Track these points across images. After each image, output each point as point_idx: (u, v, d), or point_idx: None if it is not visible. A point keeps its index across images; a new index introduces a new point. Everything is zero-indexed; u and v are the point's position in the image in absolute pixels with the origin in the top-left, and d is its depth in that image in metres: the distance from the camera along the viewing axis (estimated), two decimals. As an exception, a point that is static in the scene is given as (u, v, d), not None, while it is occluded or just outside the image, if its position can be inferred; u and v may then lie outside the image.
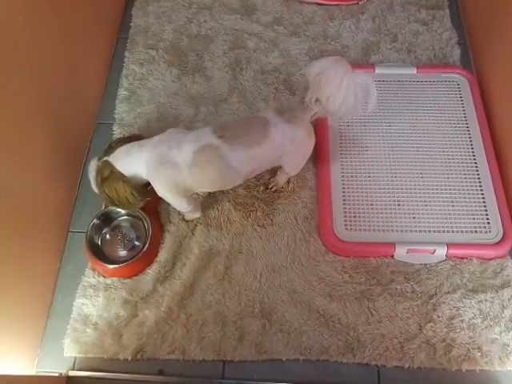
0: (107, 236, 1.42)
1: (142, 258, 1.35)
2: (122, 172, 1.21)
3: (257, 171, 1.32)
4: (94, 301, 1.34)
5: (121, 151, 1.22)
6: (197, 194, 1.46)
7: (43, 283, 1.36)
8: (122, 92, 1.73)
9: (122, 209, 1.40)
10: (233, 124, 1.26)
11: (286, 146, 1.23)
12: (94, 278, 1.38)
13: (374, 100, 1.19)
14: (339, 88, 1.12)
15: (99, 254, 1.38)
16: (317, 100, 1.19)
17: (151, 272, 1.38)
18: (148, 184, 1.25)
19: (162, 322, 1.31)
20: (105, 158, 1.21)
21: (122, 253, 1.40)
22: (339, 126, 1.59)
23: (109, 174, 1.21)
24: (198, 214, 1.44)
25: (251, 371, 1.26)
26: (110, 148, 1.25)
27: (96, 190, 1.26)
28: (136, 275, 1.38)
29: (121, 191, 1.22)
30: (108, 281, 1.37)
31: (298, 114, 1.23)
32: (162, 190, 1.25)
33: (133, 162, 1.21)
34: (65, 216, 1.48)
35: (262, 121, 1.21)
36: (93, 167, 1.24)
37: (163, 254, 1.41)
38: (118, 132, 1.63)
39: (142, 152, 1.20)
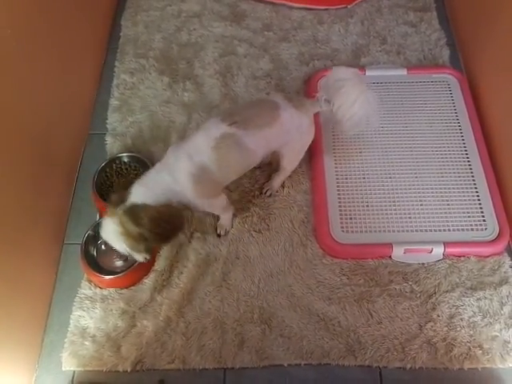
0: (102, 247, 1.41)
1: (138, 268, 1.34)
2: (151, 200, 1.11)
3: (267, 153, 1.30)
4: (92, 313, 1.33)
5: (140, 185, 1.14)
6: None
7: (39, 297, 1.34)
8: (113, 102, 1.72)
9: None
10: (241, 108, 1.28)
11: (292, 132, 1.26)
12: (91, 289, 1.36)
13: (378, 117, 1.30)
14: (354, 102, 1.20)
15: (95, 265, 1.37)
16: (326, 100, 1.25)
17: (148, 281, 1.37)
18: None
19: (161, 331, 1.29)
20: (128, 205, 1.10)
21: (118, 263, 1.39)
22: (332, 128, 1.59)
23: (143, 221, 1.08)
24: (232, 209, 1.40)
25: (253, 378, 1.25)
26: (112, 203, 1.13)
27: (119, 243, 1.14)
28: (133, 285, 1.37)
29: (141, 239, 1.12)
30: (105, 292, 1.36)
31: (306, 104, 1.28)
32: (201, 198, 1.21)
33: (162, 187, 1.14)
34: (59, 228, 1.47)
35: (272, 104, 1.24)
36: (112, 222, 1.10)
37: (160, 263, 1.39)
38: (110, 142, 1.62)
39: (169, 174, 1.14)
